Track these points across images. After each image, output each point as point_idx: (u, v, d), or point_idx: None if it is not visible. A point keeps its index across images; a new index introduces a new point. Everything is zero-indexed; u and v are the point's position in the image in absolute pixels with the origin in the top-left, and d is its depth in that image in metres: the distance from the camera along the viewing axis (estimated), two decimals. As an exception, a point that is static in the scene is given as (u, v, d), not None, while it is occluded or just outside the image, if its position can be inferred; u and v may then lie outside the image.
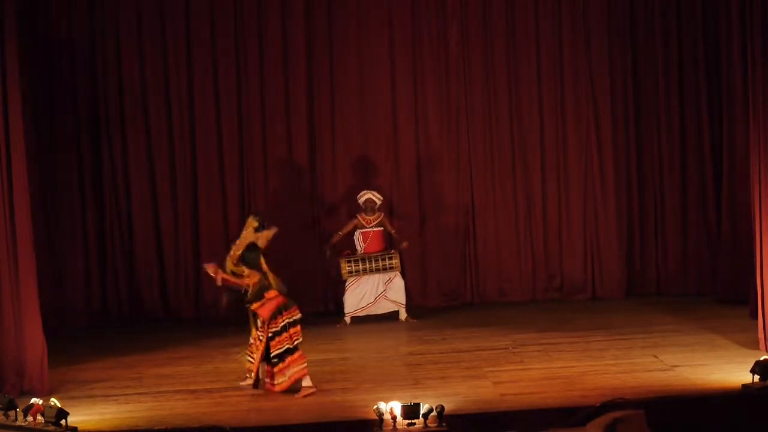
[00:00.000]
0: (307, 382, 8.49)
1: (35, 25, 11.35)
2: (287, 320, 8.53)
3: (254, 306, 8.57)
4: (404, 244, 11.40)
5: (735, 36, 10.24)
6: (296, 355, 8.48)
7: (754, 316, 9.25)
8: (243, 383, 8.75)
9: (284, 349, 8.47)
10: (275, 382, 8.49)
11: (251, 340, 8.71)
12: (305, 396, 8.37)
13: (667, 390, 7.97)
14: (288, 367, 8.46)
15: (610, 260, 12.26)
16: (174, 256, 12.07)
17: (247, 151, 12.11)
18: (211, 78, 12.02)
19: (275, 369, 8.49)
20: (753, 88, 9.08)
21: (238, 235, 8.84)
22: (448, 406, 7.52)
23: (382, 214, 11.43)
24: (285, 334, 8.49)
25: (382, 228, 11.41)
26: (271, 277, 8.60)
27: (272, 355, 8.49)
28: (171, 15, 11.93)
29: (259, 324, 8.58)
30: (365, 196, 11.34)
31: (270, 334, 8.50)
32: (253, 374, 8.69)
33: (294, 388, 8.44)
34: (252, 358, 8.71)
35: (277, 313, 8.52)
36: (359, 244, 11.38)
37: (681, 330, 10.14)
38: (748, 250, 9.89)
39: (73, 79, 11.81)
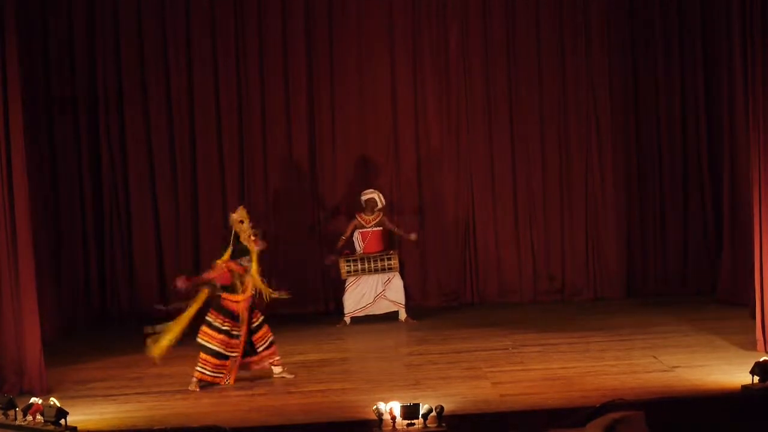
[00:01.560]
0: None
1: (34, 23, 11.33)
2: (261, 315, 8.90)
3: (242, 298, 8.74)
4: (413, 236, 11.38)
5: (736, 35, 10.22)
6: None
7: (755, 317, 9.24)
8: (192, 388, 8.73)
9: (271, 339, 8.90)
10: (275, 360, 8.91)
11: (221, 350, 8.68)
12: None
13: (667, 391, 7.96)
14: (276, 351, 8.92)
15: (611, 261, 12.26)
16: (174, 256, 12.07)
17: (247, 151, 12.12)
18: (211, 78, 12.03)
19: (270, 350, 8.89)
20: (753, 87, 9.07)
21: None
22: (448, 407, 7.52)
23: (381, 214, 11.43)
24: (266, 326, 8.87)
25: (381, 228, 11.40)
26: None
27: (261, 346, 8.84)
28: (171, 15, 11.93)
29: (241, 319, 8.73)
30: (369, 195, 11.32)
31: (253, 327, 8.79)
32: (231, 376, 8.79)
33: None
34: (219, 372, 8.73)
35: (253, 306, 8.83)
36: (358, 244, 11.38)
37: (681, 331, 10.13)
38: (748, 251, 9.89)
39: (73, 79, 11.81)
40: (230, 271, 8.74)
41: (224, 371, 8.74)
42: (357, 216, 11.40)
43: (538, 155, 12.25)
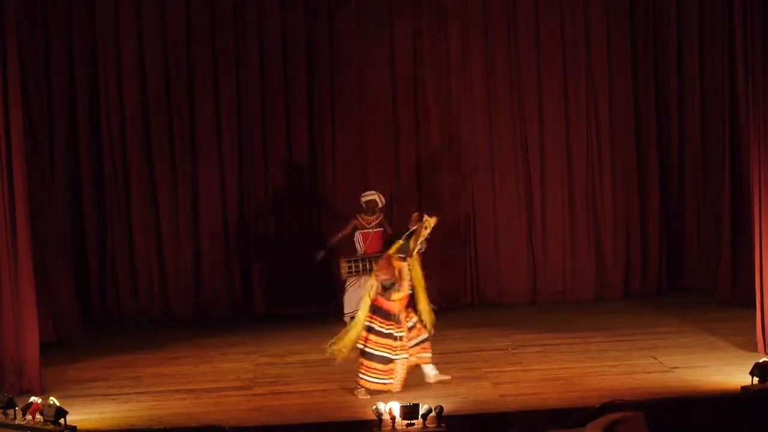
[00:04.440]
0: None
1: (35, 25, 11.33)
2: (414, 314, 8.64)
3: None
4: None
5: (737, 34, 10.21)
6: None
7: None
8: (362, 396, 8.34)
9: (422, 336, 8.60)
10: (423, 354, 8.58)
11: (388, 354, 8.36)
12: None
13: (667, 392, 7.98)
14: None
15: (611, 261, 12.26)
16: (174, 256, 12.07)
17: (247, 151, 12.11)
18: (211, 78, 12.01)
19: (423, 345, 8.58)
20: (753, 87, 9.08)
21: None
22: (448, 407, 7.53)
23: (382, 215, 11.42)
24: (419, 324, 8.58)
25: (382, 229, 11.40)
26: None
27: (416, 341, 8.54)
28: (171, 15, 11.92)
29: (397, 319, 8.43)
30: (370, 197, 11.29)
31: (409, 325, 8.49)
32: (399, 381, 8.41)
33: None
34: (387, 378, 8.34)
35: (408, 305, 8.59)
36: (359, 245, 11.36)
37: (681, 332, 10.14)
38: (748, 252, 9.89)
39: (73, 79, 11.80)
40: (391, 265, 8.40)
41: (392, 376, 8.31)
42: (358, 216, 11.39)
43: (537, 155, 12.25)
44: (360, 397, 8.25)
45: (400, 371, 8.36)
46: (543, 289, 12.31)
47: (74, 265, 11.81)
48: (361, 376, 8.34)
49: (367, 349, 8.35)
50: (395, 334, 8.36)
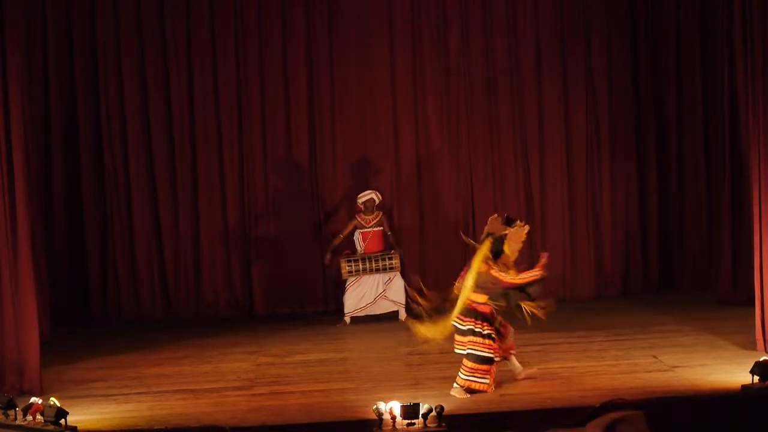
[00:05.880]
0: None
1: (35, 24, 11.33)
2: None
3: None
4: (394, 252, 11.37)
5: (736, 34, 10.21)
6: None
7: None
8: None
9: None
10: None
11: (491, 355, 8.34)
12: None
13: (667, 391, 7.98)
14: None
15: (610, 261, 12.26)
16: (174, 256, 12.06)
17: (247, 151, 12.10)
18: (211, 78, 12.01)
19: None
20: (753, 87, 9.07)
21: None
22: (448, 407, 7.54)
23: (381, 214, 11.43)
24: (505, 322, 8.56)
25: (381, 227, 11.41)
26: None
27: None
28: (171, 15, 11.91)
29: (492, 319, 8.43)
30: (367, 196, 11.33)
31: (495, 329, 8.42)
32: (493, 381, 8.37)
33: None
34: (486, 378, 8.29)
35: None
36: (359, 244, 11.38)
37: (681, 331, 10.14)
38: (748, 251, 9.89)
39: (73, 79, 11.79)
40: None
41: (489, 376, 8.28)
42: (357, 216, 11.41)
43: (537, 155, 12.24)
44: (459, 396, 8.17)
45: (494, 372, 8.35)
46: (543, 289, 12.28)
47: (75, 266, 11.85)
48: (464, 377, 8.26)
49: (472, 351, 8.28)
50: (492, 335, 8.32)
